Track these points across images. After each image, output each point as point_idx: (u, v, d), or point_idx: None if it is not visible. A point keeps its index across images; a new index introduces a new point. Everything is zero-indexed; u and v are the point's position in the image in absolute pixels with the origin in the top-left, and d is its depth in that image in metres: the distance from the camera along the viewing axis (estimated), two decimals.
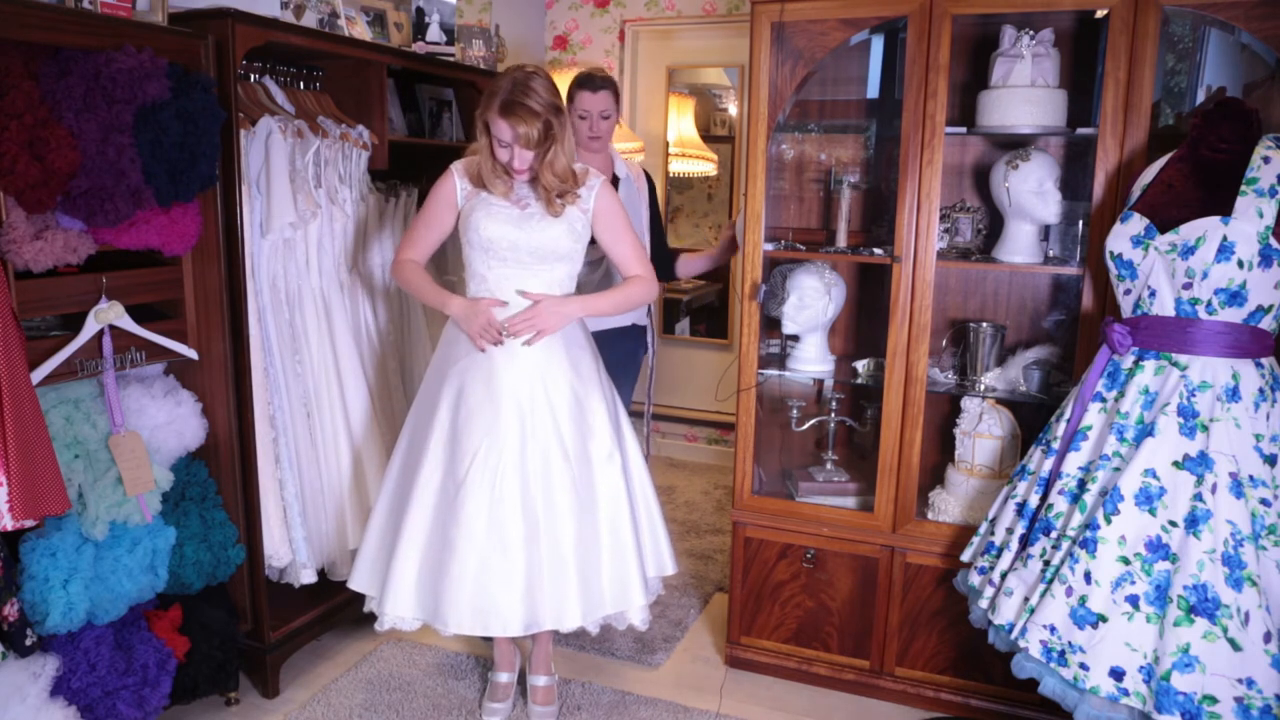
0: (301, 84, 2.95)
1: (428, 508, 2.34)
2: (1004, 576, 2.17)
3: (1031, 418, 2.65)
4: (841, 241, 2.80)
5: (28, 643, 2.03)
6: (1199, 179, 2.02)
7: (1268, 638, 1.80)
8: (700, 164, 4.89)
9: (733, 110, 4.80)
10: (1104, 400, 2.07)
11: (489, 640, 2.93)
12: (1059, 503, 2.08)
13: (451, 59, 3.36)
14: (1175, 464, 1.90)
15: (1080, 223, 2.51)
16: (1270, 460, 1.89)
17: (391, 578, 2.33)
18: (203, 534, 2.45)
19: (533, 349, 2.34)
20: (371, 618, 2.42)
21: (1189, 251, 1.91)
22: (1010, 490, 2.27)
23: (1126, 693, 1.88)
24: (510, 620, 2.28)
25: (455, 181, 2.39)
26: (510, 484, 2.30)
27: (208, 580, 2.47)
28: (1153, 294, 1.99)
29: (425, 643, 3.01)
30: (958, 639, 2.64)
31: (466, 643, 3.03)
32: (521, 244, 2.32)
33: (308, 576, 2.75)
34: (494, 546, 2.28)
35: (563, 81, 4.19)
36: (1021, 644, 2.03)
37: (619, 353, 3.01)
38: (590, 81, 2.92)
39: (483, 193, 2.36)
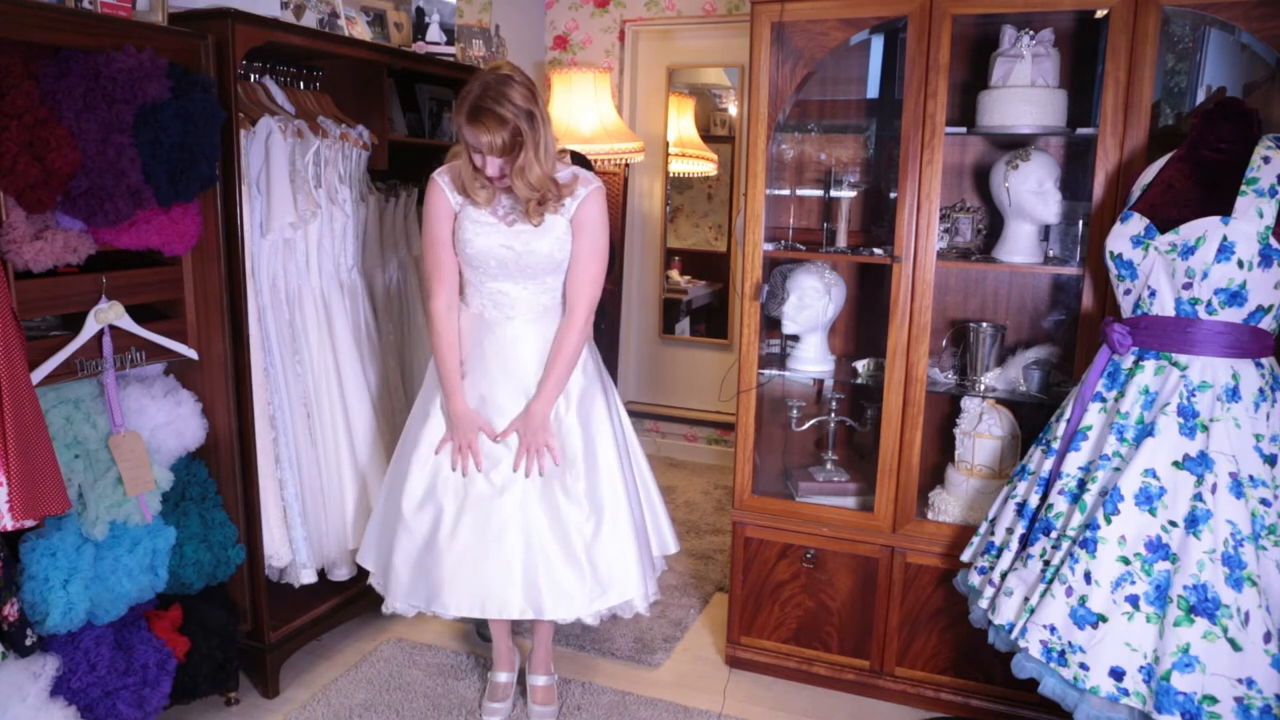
0: (301, 84, 2.95)
1: (429, 505, 2.36)
2: (1004, 576, 2.17)
3: (1031, 418, 2.65)
4: (841, 241, 2.80)
5: (28, 643, 2.03)
6: (1199, 179, 2.02)
7: (1268, 638, 1.80)
8: (700, 164, 4.89)
9: (733, 110, 4.79)
10: (1104, 400, 2.07)
11: (488, 640, 2.93)
12: (1059, 503, 2.08)
13: (451, 59, 3.36)
14: (1175, 464, 1.90)
15: (1080, 223, 2.51)
16: (1270, 460, 1.89)
17: (391, 566, 2.40)
18: (203, 534, 2.45)
19: (529, 363, 2.34)
20: (370, 619, 2.42)
21: (1189, 251, 1.91)
22: (1010, 490, 2.27)
23: (1126, 693, 1.88)
24: (507, 603, 2.30)
25: (445, 193, 2.31)
26: (509, 482, 2.32)
27: (208, 580, 2.47)
28: (1153, 294, 1.99)
29: (425, 643, 3.01)
30: (958, 639, 2.64)
31: (466, 643, 3.03)
32: (510, 261, 2.27)
33: (308, 576, 2.76)
34: (493, 537, 2.30)
35: (562, 82, 4.21)
36: (1021, 644, 2.03)
37: None
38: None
39: (469, 205, 2.29)
